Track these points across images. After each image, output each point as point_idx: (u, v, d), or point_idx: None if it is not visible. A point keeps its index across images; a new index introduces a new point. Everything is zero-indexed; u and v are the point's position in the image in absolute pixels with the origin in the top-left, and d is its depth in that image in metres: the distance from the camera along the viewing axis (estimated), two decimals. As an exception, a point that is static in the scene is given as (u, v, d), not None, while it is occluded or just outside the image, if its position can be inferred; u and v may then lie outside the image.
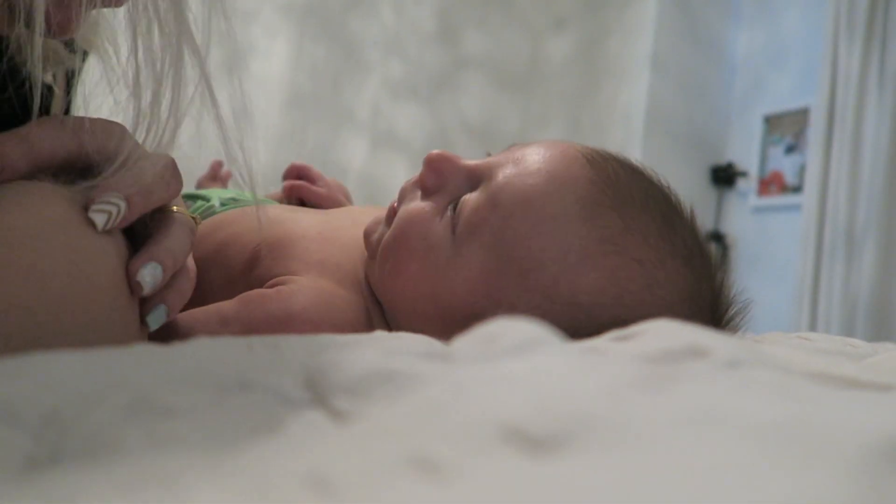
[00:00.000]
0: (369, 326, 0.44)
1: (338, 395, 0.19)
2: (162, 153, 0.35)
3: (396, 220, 0.44)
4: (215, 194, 0.60)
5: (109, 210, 0.31)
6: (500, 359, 0.21)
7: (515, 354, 0.21)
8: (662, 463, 0.14)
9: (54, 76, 0.41)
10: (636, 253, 0.40)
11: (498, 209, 0.41)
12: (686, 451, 0.14)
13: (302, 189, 0.68)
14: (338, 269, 0.46)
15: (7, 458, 0.14)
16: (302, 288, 0.43)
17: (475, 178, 0.44)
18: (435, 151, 0.45)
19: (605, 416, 0.16)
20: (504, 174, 0.42)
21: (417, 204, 0.44)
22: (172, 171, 0.35)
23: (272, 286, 0.44)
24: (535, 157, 0.42)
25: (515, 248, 0.40)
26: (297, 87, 2.26)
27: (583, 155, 0.42)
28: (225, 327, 0.40)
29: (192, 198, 0.60)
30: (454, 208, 0.43)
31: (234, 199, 0.60)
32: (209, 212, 0.57)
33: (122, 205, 0.31)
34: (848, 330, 2.11)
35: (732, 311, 0.45)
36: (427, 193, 0.44)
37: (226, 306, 0.42)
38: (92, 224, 0.30)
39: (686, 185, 2.59)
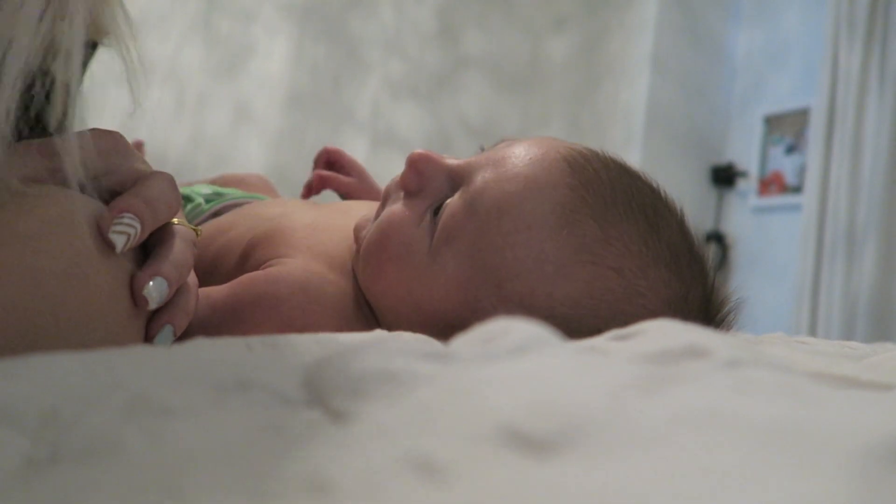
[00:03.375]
0: (359, 313, 0.44)
1: (337, 395, 0.18)
2: (160, 170, 0.36)
3: (377, 222, 0.44)
4: (197, 192, 0.59)
5: (128, 232, 0.31)
6: (500, 359, 0.21)
7: (515, 355, 0.21)
8: (661, 465, 0.14)
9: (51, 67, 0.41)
10: (614, 262, 0.39)
11: (474, 217, 0.40)
12: (684, 453, 0.14)
13: (331, 181, 0.68)
14: (329, 256, 0.45)
15: (5, 458, 0.14)
16: (291, 269, 0.42)
17: (456, 179, 0.43)
18: (417, 151, 0.44)
19: (603, 418, 0.16)
20: (483, 178, 0.41)
21: (398, 207, 0.43)
22: (172, 187, 0.35)
23: (263, 269, 0.44)
24: (514, 161, 0.41)
25: (491, 258, 0.39)
26: (298, 86, 2.26)
27: (564, 158, 0.41)
28: (214, 312, 0.40)
29: None
30: (434, 213, 0.42)
31: (218, 194, 0.59)
32: (197, 210, 0.57)
33: (138, 227, 0.32)
34: (848, 330, 2.11)
35: (725, 311, 0.44)
36: (409, 195, 0.44)
37: (215, 291, 0.41)
38: (111, 245, 0.31)
39: (686, 185, 2.59)
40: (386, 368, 0.19)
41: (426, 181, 0.43)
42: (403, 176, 0.44)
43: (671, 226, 0.42)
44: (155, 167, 0.38)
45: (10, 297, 0.27)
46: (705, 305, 0.43)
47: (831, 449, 0.14)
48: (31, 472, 0.14)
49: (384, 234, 0.43)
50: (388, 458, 0.14)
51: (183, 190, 0.61)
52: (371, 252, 0.43)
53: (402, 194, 0.44)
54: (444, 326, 0.40)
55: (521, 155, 0.42)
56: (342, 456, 0.15)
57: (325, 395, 0.19)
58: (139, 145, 0.80)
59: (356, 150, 2.39)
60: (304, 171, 0.86)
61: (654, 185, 0.43)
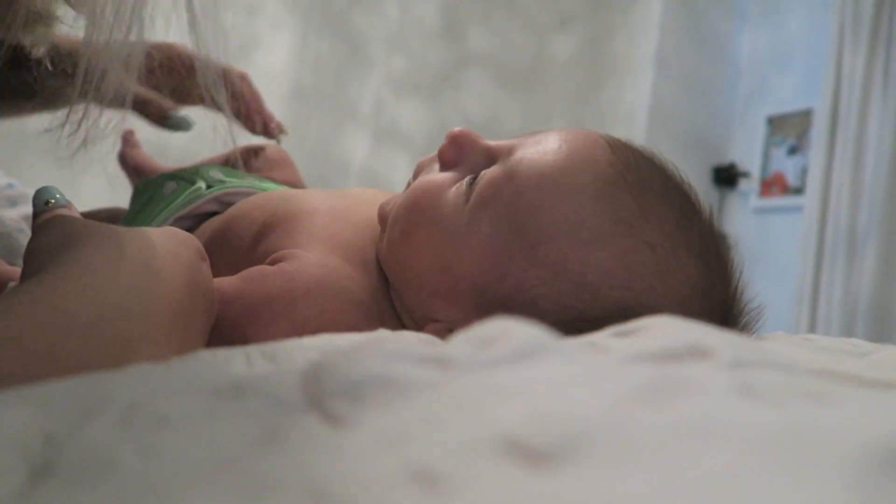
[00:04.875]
0: (376, 308, 0.43)
1: (335, 401, 0.18)
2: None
3: (410, 188, 0.44)
4: (199, 177, 0.58)
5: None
6: (500, 366, 0.20)
7: (515, 361, 0.21)
8: (661, 475, 0.14)
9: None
10: (650, 238, 0.39)
11: (513, 182, 0.40)
12: (684, 463, 0.14)
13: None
14: (346, 247, 0.44)
15: (2, 483, 0.14)
16: (306, 266, 0.41)
17: (494, 156, 0.43)
18: (458, 128, 0.45)
19: (604, 428, 0.16)
20: (524, 152, 0.42)
21: (434, 175, 0.44)
22: None
23: (276, 260, 0.43)
24: (556, 138, 0.42)
25: (527, 221, 0.39)
26: (301, 80, 2.26)
27: (605, 140, 0.42)
28: (226, 307, 0.39)
29: (172, 178, 0.59)
30: (471, 182, 0.42)
31: (220, 181, 0.58)
32: (196, 195, 0.56)
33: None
34: (847, 332, 2.11)
35: (746, 317, 0.44)
36: (445, 167, 0.44)
37: (227, 284, 0.40)
38: None
39: (688, 185, 2.59)
40: (384, 374, 0.19)
41: (464, 156, 0.44)
42: (442, 148, 0.45)
43: (702, 220, 0.42)
44: (156, 159, 0.38)
45: None
46: (728, 305, 0.43)
47: (832, 454, 0.14)
48: (26, 493, 0.14)
49: (416, 198, 0.43)
50: (386, 468, 0.14)
51: (184, 172, 0.60)
52: (401, 215, 0.43)
53: (436, 167, 0.45)
54: (470, 294, 0.40)
55: (562, 135, 0.43)
56: (340, 464, 0.15)
57: (322, 401, 0.19)
58: (130, 133, 0.81)
59: (358, 145, 2.38)
60: (306, 166, 0.85)
61: (688, 183, 0.44)
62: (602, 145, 0.42)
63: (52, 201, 0.37)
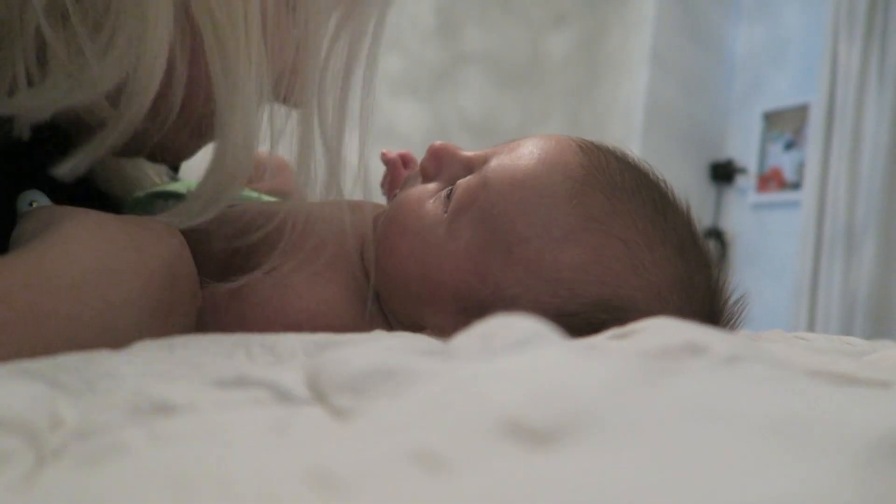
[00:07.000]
0: (364, 311, 0.44)
1: (338, 393, 0.19)
2: None
3: (394, 202, 0.46)
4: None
5: None
6: (500, 354, 0.21)
7: (514, 350, 0.21)
8: (661, 456, 0.14)
9: None
10: (622, 233, 0.40)
11: (487, 188, 0.42)
12: (685, 445, 0.14)
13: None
14: (329, 254, 0.45)
15: (9, 465, 0.14)
16: (295, 272, 0.43)
17: (472, 166, 0.45)
18: (439, 142, 0.47)
19: (604, 410, 0.16)
20: (498, 160, 0.44)
21: (415, 188, 0.46)
22: None
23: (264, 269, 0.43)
24: (528, 145, 0.44)
25: (502, 224, 0.41)
26: (296, 82, 2.26)
27: (576, 143, 0.44)
28: (219, 314, 0.41)
29: (165, 196, 0.59)
30: (449, 192, 0.44)
31: None
32: None
33: None
34: (846, 327, 2.11)
35: (730, 309, 0.45)
36: (426, 179, 0.46)
37: (217, 291, 0.41)
38: None
39: (685, 181, 2.59)
40: (386, 365, 0.20)
41: (443, 168, 0.46)
42: (423, 162, 0.47)
43: (678, 215, 0.43)
44: None
45: (48, 342, 0.29)
46: (711, 295, 0.43)
47: (831, 444, 0.14)
48: (34, 475, 0.14)
49: (399, 211, 0.45)
50: (390, 453, 0.14)
51: (173, 189, 0.60)
52: (386, 228, 0.45)
53: (419, 180, 0.47)
54: (453, 300, 0.41)
55: (534, 142, 0.44)
56: (345, 452, 0.15)
57: (326, 393, 0.19)
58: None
59: (354, 144, 2.38)
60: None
61: (663, 180, 0.45)
62: (573, 149, 0.43)
63: (36, 202, 0.38)
